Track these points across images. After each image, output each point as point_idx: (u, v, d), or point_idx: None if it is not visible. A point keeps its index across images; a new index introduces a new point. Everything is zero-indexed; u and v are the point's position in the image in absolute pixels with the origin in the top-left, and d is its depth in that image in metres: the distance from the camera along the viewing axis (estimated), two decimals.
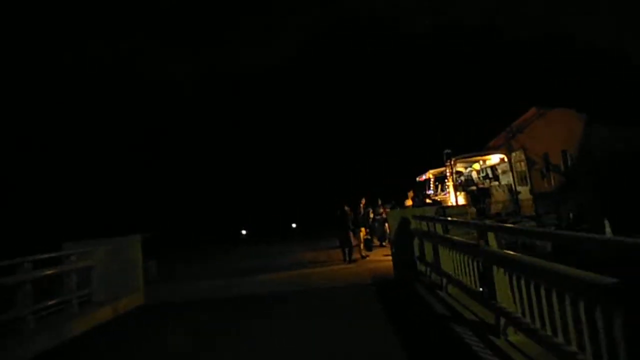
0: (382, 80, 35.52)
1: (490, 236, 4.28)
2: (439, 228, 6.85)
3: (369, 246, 14.12)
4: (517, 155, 13.50)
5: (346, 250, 12.69)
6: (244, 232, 35.20)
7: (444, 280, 6.52)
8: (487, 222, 6.18)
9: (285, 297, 8.64)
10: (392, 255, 9.24)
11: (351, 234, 12.69)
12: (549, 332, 3.53)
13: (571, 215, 12.16)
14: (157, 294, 10.34)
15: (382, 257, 13.48)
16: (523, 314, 3.91)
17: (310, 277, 10.99)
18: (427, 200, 13.70)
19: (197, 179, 36.75)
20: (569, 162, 17.85)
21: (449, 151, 13.86)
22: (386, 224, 16.35)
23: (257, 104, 38.55)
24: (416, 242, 8.39)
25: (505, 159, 14.07)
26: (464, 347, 4.24)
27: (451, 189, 13.68)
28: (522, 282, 3.79)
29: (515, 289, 4.03)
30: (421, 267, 8.23)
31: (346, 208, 13.15)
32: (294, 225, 36.48)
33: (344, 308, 7.14)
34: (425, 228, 7.75)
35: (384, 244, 16.84)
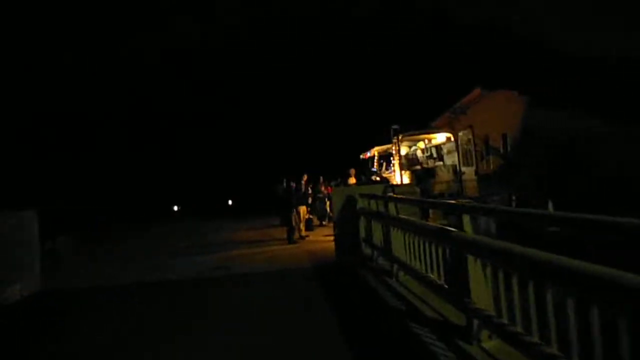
0: (329, 56, 34.25)
1: (466, 219, 3.45)
2: (391, 208, 6.03)
3: (309, 226, 13.25)
4: (464, 134, 13.14)
5: (288, 230, 11.78)
6: (176, 208, 33.07)
7: (395, 267, 5.74)
8: (464, 201, 5.47)
9: (221, 283, 7.55)
10: (335, 236, 8.39)
11: (294, 212, 11.76)
12: (537, 339, 2.79)
13: (514, 197, 12.02)
14: (62, 278, 8.79)
15: (322, 238, 12.69)
16: (499, 314, 3.15)
17: (244, 259, 9.91)
18: (376, 178, 13.00)
19: (133, 153, 33.77)
20: (509, 145, 17.91)
21: (396, 127, 13.19)
22: (327, 203, 15.59)
23: (203, 76, 35.77)
24: (362, 222, 7.58)
25: (452, 138, 13.71)
26: (428, 354, 3.42)
27: (397, 167, 13.09)
28: (501, 274, 3.02)
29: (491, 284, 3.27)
30: (367, 250, 7.45)
31: (291, 184, 12.16)
32: (230, 202, 34.85)
33: (281, 299, 6.17)
34: (374, 208, 6.92)
35: (324, 222, 16.12)
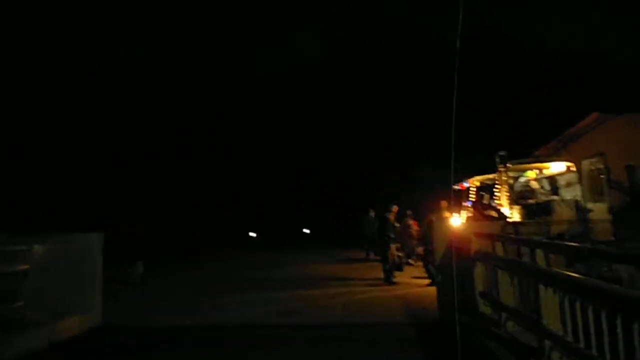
0: (403, 83, 32.59)
1: None
2: (539, 256, 4.25)
3: (399, 266, 11.52)
4: (591, 163, 10.73)
5: (386, 268, 10.29)
6: (252, 234, 32.70)
7: (547, 345, 3.91)
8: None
9: (283, 337, 6.11)
10: (437, 285, 6.65)
11: (390, 247, 10.34)
12: None
13: None
14: (126, 311, 7.95)
15: (412, 280, 10.94)
16: None
17: (321, 301, 8.46)
18: (491, 213, 10.94)
19: (209, 178, 34.28)
20: (637, 178, 14.67)
21: (503, 153, 11.13)
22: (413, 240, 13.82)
23: (273, 105, 35.83)
24: (480, 271, 5.78)
25: (573, 168, 11.32)
26: None
27: (504, 200, 10.99)
28: None
29: None
30: (486, 309, 5.62)
31: (390, 215, 10.74)
32: (306, 231, 33.84)
33: None
34: (500, 253, 5.15)
35: (410, 261, 14.27)
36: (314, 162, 34.68)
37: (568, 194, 11.71)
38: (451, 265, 6.33)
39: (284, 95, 35.51)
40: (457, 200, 15.98)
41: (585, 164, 11.06)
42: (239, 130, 34.73)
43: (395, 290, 9.49)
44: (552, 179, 12.73)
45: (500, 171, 11.53)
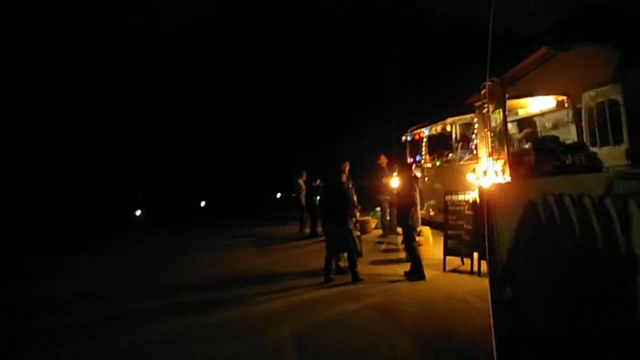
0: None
1: None
2: None
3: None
4: (598, 94, 8.19)
5: (353, 257, 6.87)
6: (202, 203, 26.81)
7: None
8: None
9: None
10: (504, 302, 3.24)
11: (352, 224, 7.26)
12: None
13: None
14: None
15: (376, 267, 7.68)
16: None
17: (248, 332, 4.79)
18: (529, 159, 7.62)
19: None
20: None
21: (495, 79, 8.02)
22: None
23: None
24: None
25: (567, 103, 8.76)
26: None
27: (483, 149, 7.95)
28: None
29: None
30: None
31: (343, 178, 7.27)
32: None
33: None
34: None
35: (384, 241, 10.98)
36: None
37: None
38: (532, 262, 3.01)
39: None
40: (402, 154, 12.99)
41: (588, 96, 8.51)
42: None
43: (367, 294, 6.07)
44: (528, 120, 10.23)
45: (478, 111, 8.55)
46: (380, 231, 11.01)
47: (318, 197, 11.22)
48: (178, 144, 28.48)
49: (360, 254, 7.73)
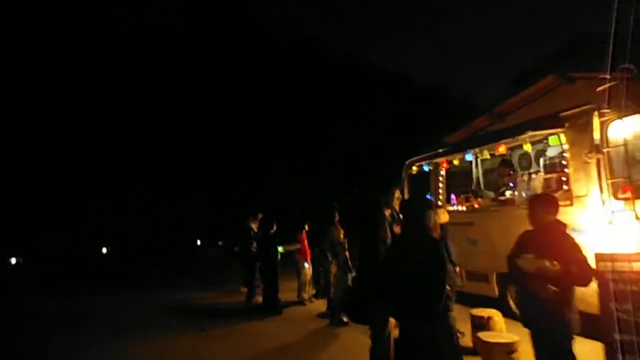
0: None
1: None
2: None
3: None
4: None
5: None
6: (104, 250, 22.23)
7: None
8: None
9: None
10: None
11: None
12: None
13: None
14: None
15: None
16: None
17: None
18: None
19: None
20: None
21: (630, 66, 5.04)
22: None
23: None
24: None
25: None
26: None
27: (576, 185, 4.86)
28: None
29: None
30: None
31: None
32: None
33: None
34: None
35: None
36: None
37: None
38: None
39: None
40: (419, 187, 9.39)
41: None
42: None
43: None
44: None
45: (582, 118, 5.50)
46: None
47: (281, 248, 8.92)
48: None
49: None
